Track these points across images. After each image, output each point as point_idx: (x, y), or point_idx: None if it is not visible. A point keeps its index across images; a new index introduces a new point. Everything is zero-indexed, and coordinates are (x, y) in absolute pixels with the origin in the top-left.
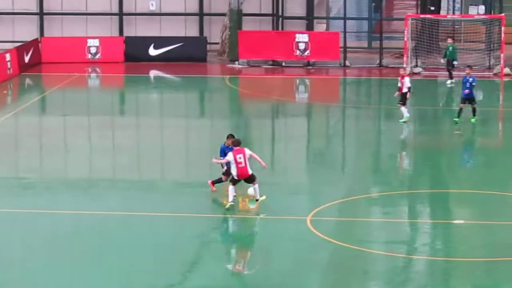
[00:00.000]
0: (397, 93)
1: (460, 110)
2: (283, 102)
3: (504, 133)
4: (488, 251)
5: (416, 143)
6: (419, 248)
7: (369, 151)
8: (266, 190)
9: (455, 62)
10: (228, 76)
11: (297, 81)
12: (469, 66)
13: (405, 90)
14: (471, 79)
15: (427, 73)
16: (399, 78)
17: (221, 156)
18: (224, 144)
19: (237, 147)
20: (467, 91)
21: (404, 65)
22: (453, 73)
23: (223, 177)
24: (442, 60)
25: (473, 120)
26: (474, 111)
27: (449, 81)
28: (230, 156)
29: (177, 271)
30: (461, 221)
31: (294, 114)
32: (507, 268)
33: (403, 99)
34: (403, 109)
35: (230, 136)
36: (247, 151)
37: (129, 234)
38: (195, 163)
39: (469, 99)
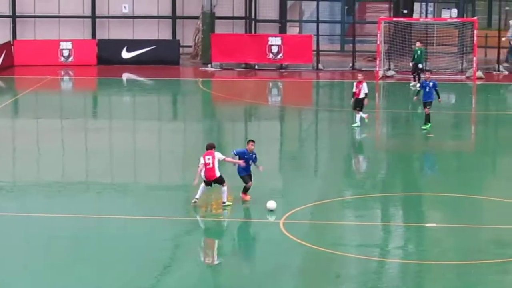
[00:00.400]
0: (352, 99)
1: (427, 115)
2: (256, 105)
3: (477, 136)
4: (460, 254)
5: (389, 146)
6: (392, 251)
7: (342, 154)
8: (239, 193)
9: (420, 65)
10: (201, 79)
11: (270, 84)
12: (429, 71)
13: (362, 96)
14: (431, 84)
15: (399, 76)
16: (355, 84)
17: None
18: (246, 149)
19: (209, 150)
20: (429, 97)
21: (360, 75)
22: (423, 76)
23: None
24: (410, 64)
25: (424, 127)
26: (427, 117)
27: (412, 83)
28: (201, 159)
29: (149, 274)
30: (434, 224)
31: (267, 117)
32: (478, 271)
33: (360, 105)
34: (359, 115)
35: (251, 141)
36: (218, 155)
37: (102, 237)
38: (168, 166)
39: (428, 103)
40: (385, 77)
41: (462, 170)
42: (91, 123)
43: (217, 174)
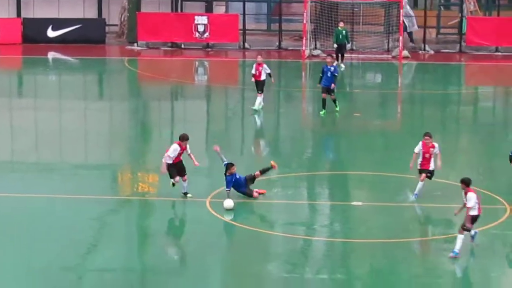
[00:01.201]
0: (253, 79)
1: (324, 100)
2: (182, 85)
3: (402, 115)
4: (386, 232)
5: (315, 125)
6: (318, 230)
7: (268, 133)
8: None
9: (348, 45)
10: (127, 58)
11: (196, 63)
12: (330, 55)
13: (263, 77)
14: (332, 68)
15: (325, 55)
16: (255, 66)
17: (228, 187)
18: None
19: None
20: (332, 85)
21: (259, 57)
22: (347, 55)
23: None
24: (334, 45)
25: (337, 109)
26: (334, 101)
27: (342, 65)
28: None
29: (74, 253)
30: (360, 203)
31: (193, 96)
32: (403, 249)
33: (261, 87)
34: (259, 97)
35: (230, 165)
36: (188, 148)
37: (27, 216)
38: (93, 146)
39: (328, 89)
40: (311, 56)
41: (387, 149)
42: (16, 102)
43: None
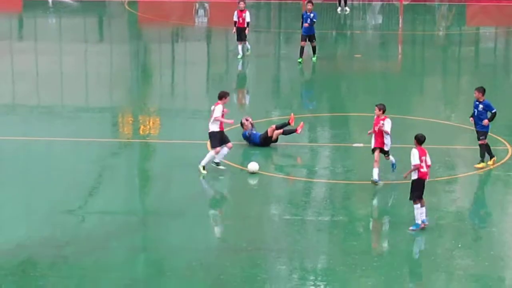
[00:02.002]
0: (234, 28)
1: (302, 48)
2: (182, 27)
3: (404, 57)
4: (386, 174)
5: (317, 67)
6: (319, 172)
7: (269, 75)
8: (167, 116)
9: None
10: (127, 0)
11: (197, 5)
12: (310, 2)
13: (245, 25)
14: (312, 15)
15: None
16: (237, 12)
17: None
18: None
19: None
20: (306, 24)
21: (241, 3)
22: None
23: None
24: None
25: (313, 59)
26: (314, 49)
27: (346, 8)
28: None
29: (76, 196)
30: (361, 145)
31: (193, 38)
32: (404, 190)
33: (243, 35)
34: (243, 45)
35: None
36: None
37: (29, 159)
38: (94, 89)
39: (309, 36)
40: None
41: (388, 90)
42: (17, 45)
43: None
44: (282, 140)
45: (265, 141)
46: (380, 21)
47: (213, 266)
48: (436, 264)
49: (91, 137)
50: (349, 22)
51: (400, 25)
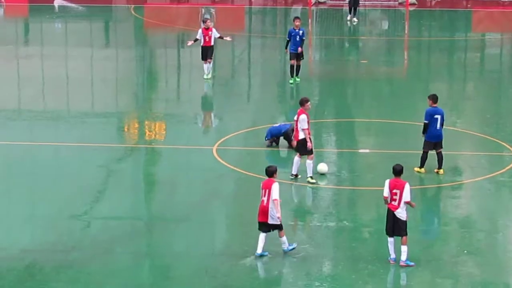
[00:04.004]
0: (190, 43)
1: (292, 67)
2: (188, 32)
3: (409, 62)
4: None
5: (322, 72)
6: (325, 177)
7: (274, 80)
8: (173, 121)
9: None
10: (133, 6)
11: (203, 10)
12: (298, 18)
13: (212, 43)
14: (301, 32)
15: (332, 2)
16: (201, 31)
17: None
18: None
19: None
20: (299, 49)
21: (208, 21)
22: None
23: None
24: None
25: (297, 79)
26: (298, 69)
27: (355, 19)
28: None
29: (82, 201)
30: (367, 150)
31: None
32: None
33: (210, 54)
34: (208, 65)
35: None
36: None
37: (35, 164)
38: (100, 93)
39: (298, 55)
40: (317, 3)
41: (394, 96)
42: (23, 50)
43: None
44: (289, 146)
45: (288, 137)
46: (386, 26)
47: (218, 271)
48: (441, 271)
49: (97, 142)
50: (354, 27)
51: (406, 31)
